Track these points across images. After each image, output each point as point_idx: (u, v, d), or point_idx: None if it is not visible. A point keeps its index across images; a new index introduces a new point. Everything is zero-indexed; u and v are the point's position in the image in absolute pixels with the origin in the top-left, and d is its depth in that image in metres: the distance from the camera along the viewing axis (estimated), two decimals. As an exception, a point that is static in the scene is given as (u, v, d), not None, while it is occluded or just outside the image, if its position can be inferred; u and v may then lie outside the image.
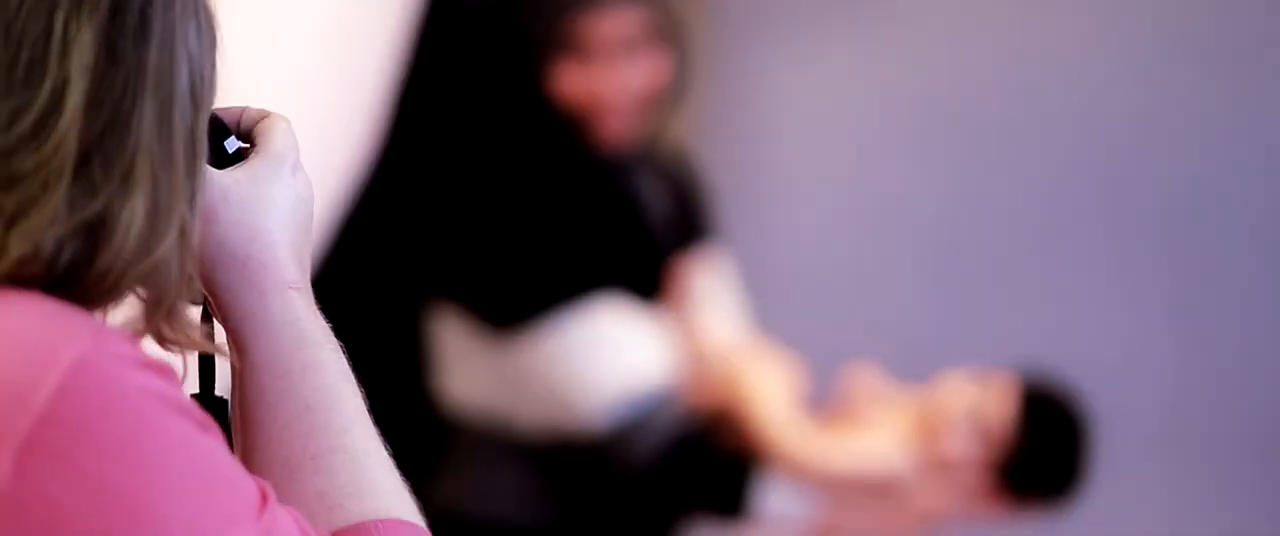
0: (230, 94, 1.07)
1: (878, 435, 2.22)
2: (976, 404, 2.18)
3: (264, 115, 1.12)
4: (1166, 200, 3.50)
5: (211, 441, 0.96)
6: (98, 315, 0.98)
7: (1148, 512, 3.52)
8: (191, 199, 1.00)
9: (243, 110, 1.12)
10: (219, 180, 1.07)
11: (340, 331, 1.10)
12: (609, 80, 2.21)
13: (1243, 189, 3.47)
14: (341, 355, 1.09)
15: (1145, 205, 3.50)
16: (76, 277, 0.96)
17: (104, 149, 0.96)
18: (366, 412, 1.08)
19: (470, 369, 2.27)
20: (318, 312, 1.09)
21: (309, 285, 1.09)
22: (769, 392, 2.25)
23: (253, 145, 1.10)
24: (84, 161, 0.95)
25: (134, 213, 0.96)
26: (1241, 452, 3.52)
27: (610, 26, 2.20)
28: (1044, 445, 2.18)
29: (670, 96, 2.31)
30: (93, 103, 0.96)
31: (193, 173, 1.00)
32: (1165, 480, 3.54)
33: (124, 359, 0.94)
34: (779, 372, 2.32)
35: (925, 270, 3.60)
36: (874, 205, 3.61)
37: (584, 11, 2.19)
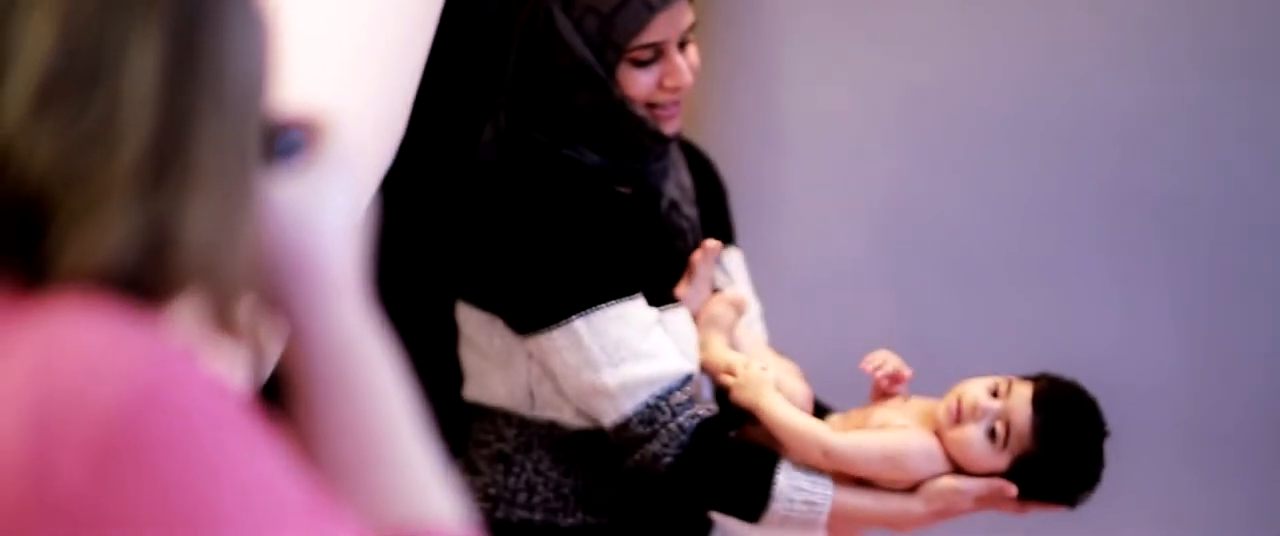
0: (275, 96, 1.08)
1: (899, 422, 2.23)
2: (995, 405, 2.18)
3: (316, 116, 1.12)
4: (1170, 202, 3.51)
5: (266, 452, 0.96)
6: (159, 313, 0.98)
7: (1147, 510, 3.53)
8: (250, 200, 1.01)
9: (295, 111, 1.12)
10: (275, 184, 1.07)
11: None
12: (671, 75, 2.22)
13: (1244, 189, 3.48)
14: (393, 358, 1.09)
15: (1153, 206, 3.51)
16: (138, 278, 0.96)
17: (165, 151, 0.96)
18: (417, 416, 1.09)
19: (496, 370, 2.27)
20: (370, 315, 1.09)
21: (361, 287, 1.10)
22: (786, 384, 2.26)
23: (306, 146, 1.11)
24: (145, 164, 0.96)
25: (195, 214, 0.97)
26: (1242, 452, 3.53)
27: (671, 25, 2.20)
28: (1061, 449, 2.18)
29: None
30: (153, 105, 0.96)
31: (252, 174, 1.01)
32: (1165, 478, 3.55)
33: (181, 372, 0.94)
34: (793, 372, 2.33)
35: (932, 270, 3.60)
36: (879, 205, 3.62)
37: (651, 20, 2.18)
